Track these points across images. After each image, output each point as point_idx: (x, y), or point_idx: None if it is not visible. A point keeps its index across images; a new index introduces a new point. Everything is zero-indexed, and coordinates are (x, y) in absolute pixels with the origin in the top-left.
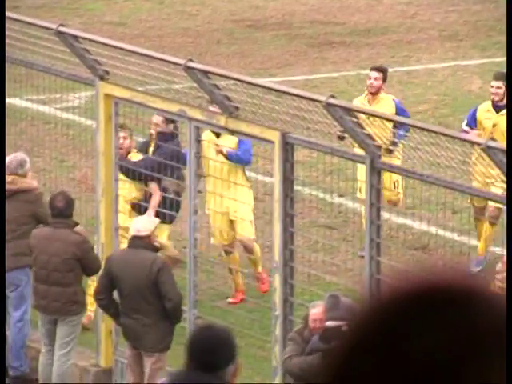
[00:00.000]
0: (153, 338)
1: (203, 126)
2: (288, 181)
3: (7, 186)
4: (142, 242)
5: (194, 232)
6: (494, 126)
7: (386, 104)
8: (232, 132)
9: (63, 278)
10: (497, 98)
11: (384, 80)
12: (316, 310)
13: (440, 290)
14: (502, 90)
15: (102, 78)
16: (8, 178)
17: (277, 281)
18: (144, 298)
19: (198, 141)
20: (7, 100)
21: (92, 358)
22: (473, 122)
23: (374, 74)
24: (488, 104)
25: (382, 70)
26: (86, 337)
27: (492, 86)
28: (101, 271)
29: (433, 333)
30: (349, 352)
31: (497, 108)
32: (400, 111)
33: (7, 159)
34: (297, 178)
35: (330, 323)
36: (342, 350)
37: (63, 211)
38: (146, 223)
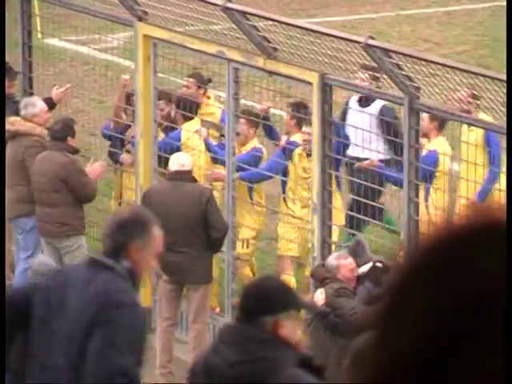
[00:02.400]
0: (200, 270)
1: (242, 68)
2: (326, 122)
3: (7, 127)
4: (187, 176)
5: (232, 173)
6: None
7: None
8: (270, 73)
9: (49, 198)
10: None
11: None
12: (350, 260)
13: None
14: None
15: (140, 19)
16: (10, 119)
17: (315, 222)
18: (192, 231)
19: (236, 82)
20: (46, 40)
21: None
22: None
23: None
24: None
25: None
26: None
27: None
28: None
29: (502, 254)
30: (413, 273)
31: None
32: None
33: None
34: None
35: (365, 268)
36: (406, 273)
37: (56, 133)
38: (188, 158)
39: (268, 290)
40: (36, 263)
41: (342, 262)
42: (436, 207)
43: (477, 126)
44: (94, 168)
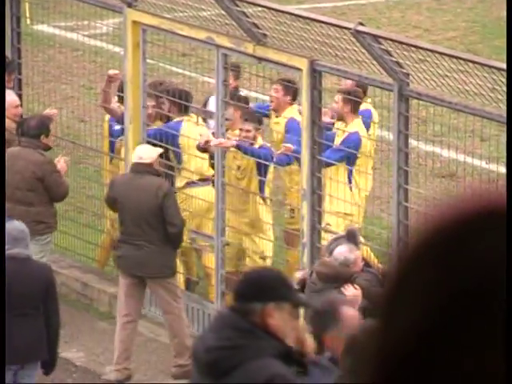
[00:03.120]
0: (158, 264)
1: (231, 54)
2: (316, 108)
3: None
4: (146, 168)
5: (222, 160)
6: None
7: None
8: (259, 59)
9: (25, 196)
10: None
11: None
12: (359, 250)
13: (498, 206)
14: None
15: (129, 5)
16: None
17: (304, 208)
18: (149, 224)
19: (225, 68)
20: (35, 26)
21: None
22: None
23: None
24: None
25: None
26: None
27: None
28: (104, 195)
29: (499, 240)
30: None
31: None
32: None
33: None
34: (324, 106)
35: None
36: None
37: (30, 130)
38: (148, 150)
39: (262, 277)
40: (10, 228)
41: (357, 253)
42: (359, 189)
43: (466, 113)
44: (61, 165)
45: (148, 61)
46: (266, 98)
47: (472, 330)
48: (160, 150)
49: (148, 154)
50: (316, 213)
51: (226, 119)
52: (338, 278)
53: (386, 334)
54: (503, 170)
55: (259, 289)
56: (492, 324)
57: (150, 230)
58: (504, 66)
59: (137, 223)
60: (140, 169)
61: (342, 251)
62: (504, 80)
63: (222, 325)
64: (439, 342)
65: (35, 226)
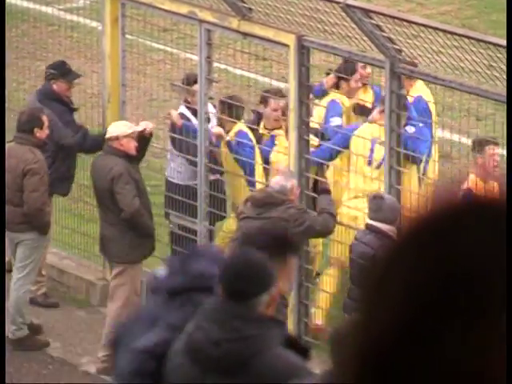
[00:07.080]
0: (116, 249)
1: (214, 29)
2: (304, 86)
3: None
4: (110, 148)
5: (205, 140)
6: None
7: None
8: (245, 35)
9: (13, 196)
10: None
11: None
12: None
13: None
14: None
15: None
16: None
17: None
18: (106, 206)
19: (209, 44)
20: (8, 0)
21: (98, 271)
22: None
23: None
24: None
25: None
26: (94, 250)
27: None
28: None
29: (485, 231)
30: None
31: None
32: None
33: None
34: (313, 84)
35: (373, 223)
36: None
37: (22, 125)
38: (118, 126)
39: (259, 267)
40: None
41: (293, 182)
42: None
43: (461, 91)
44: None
45: (127, 36)
46: (251, 75)
47: (455, 319)
48: (135, 129)
49: (115, 129)
50: (304, 195)
51: (210, 98)
52: (270, 203)
53: (369, 326)
54: (500, 150)
55: (262, 281)
56: (478, 313)
57: (109, 213)
58: (501, 41)
59: (100, 205)
60: (106, 149)
61: (278, 180)
62: (500, 56)
63: (225, 316)
64: (422, 333)
65: (22, 227)
